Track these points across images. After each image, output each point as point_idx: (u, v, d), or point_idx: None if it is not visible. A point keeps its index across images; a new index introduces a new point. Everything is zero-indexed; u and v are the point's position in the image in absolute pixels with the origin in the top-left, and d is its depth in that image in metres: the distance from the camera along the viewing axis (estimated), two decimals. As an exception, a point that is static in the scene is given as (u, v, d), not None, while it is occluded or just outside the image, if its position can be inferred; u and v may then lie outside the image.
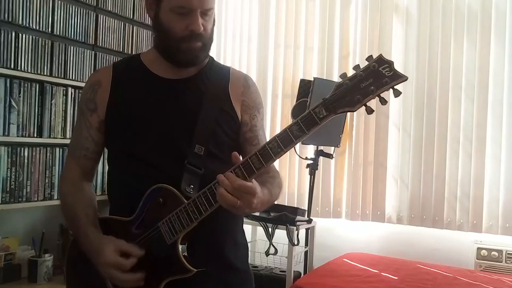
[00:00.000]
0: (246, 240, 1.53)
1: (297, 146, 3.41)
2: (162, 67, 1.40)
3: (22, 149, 2.50)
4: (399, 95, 1.14)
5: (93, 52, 2.90)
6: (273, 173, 1.42)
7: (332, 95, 1.15)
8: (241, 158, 1.23)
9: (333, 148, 3.44)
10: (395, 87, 1.13)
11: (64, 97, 2.71)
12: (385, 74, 1.12)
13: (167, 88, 1.39)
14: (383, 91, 1.13)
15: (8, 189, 2.43)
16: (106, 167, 1.76)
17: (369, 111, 1.17)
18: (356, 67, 1.15)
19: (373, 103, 1.16)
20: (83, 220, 1.36)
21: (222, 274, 1.39)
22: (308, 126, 1.15)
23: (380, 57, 1.14)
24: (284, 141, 1.17)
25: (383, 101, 1.15)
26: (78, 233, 1.38)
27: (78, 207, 1.40)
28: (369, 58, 1.15)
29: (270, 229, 3.13)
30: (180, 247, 1.27)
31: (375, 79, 1.12)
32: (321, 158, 3.41)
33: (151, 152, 1.36)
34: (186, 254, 1.28)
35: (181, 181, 1.30)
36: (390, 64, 1.13)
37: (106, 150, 1.50)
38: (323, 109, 1.15)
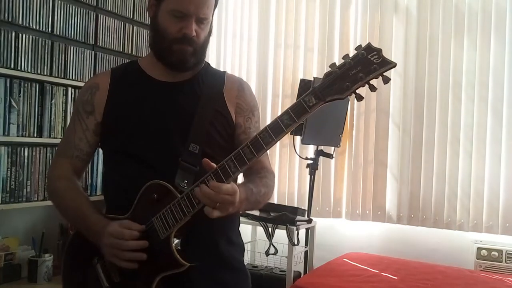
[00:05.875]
0: (242, 241, 1.53)
1: (297, 146, 3.42)
2: (158, 71, 1.43)
3: (22, 149, 2.50)
4: (388, 82, 1.15)
5: (93, 52, 2.90)
6: (264, 173, 1.43)
7: (321, 84, 1.17)
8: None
9: (333, 148, 3.43)
10: (384, 73, 1.14)
11: (64, 97, 2.71)
12: (374, 61, 1.13)
13: (163, 90, 1.42)
14: (372, 78, 1.14)
15: (8, 189, 2.43)
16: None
17: (359, 98, 1.18)
18: (345, 56, 1.17)
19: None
20: (90, 209, 1.38)
21: (217, 272, 1.40)
22: (298, 114, 1.17)
23: (369, 45, 1.15)
24: (275, 131, 1.18)
25: (373, 88, 1.16)
26: (85, 223, 1.38)
27: (81, 200, 1.41)
28: (358, 47, 1.16)
29: (270, 229, 3.13)
30: (174, 241, 1.27)
31: (363, 66, 1.14)
32: (321, 158, 3.40)
33: (146, 151, 1.38)
34: (179, 248, 1.28)
35: (175, 177, 1.31)
36: (378, 51, 1.14)
37: (102, 152, 1.52)
38: (313, 97, 1.16)
